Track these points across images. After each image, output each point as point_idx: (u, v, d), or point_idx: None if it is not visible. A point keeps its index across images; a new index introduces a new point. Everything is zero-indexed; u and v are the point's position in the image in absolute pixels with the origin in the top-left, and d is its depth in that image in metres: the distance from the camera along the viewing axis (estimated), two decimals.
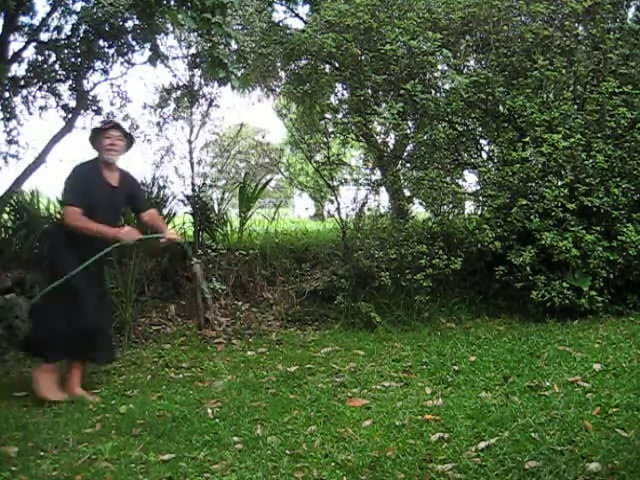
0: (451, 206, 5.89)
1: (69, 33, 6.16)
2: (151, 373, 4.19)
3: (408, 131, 5.50)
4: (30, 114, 6.55)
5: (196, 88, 5.70)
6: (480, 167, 5.39)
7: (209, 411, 3.31)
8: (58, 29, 6.25)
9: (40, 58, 6.26)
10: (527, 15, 5.29)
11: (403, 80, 5.18)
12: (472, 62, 5.86)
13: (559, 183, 4.96)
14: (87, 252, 3.63)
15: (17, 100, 6.43)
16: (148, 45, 5.65)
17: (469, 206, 6.35)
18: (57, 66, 6.30)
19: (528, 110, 4.94)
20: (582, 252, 4.59)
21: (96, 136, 3.92)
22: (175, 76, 5.78)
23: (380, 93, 5.70)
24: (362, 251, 5.21)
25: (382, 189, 6.20)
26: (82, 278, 3.60)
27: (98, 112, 6.61)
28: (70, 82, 6.41)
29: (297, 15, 8.61)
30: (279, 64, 6.76)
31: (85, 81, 6.50)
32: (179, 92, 5.85)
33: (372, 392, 3.50)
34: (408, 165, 6.05)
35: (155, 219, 4.20)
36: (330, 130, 6.14)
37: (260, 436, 2.92)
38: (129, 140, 4.02)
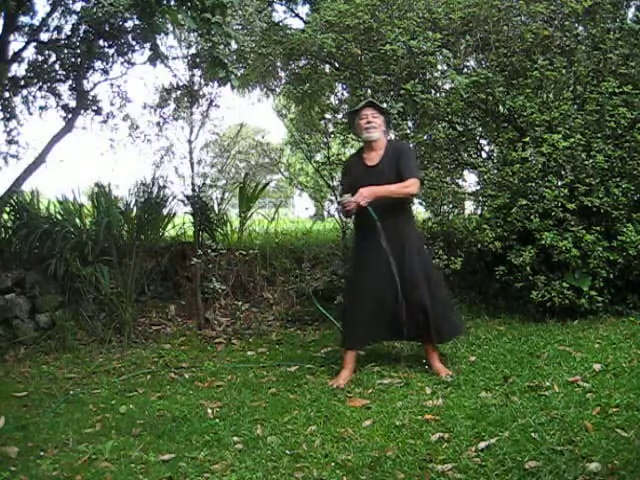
0: (451, 206, 5.89)
1: (69, 33, 6.17)
2: (151, 373, 4.20)
3: (408, 131, 5.49)
4: (30, 114, 6.57)
5: (196, 88, 5.70)
6: (480, 167, 5.39)
7: (209, 411, 3.31)
8: (58, 29, 6.27)
9: (40, 58, 6.27)
10: (527, 15, 5.28)
11: (403, 80, 5.18)
12: (472, 62, 5.86)
13: (559, 183, 4.96)
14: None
15: (17, 100, 6.45)
16: (148, 45, 5.65)
17: (469, 206, 6.35)
18: (57, 66, 6.32)
19: (528, 110, 4.94)
20: (582, 252, 4.59)
21: (353, 120, 3.97)
22: (175, 76, 5.78)
23: (380, 93, 5.70)
24: None
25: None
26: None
27: (98, 112, 6.63)
28: (70, 82, 6.42)
29: (297, 15, 8.64)
30: (279, 64, 6.75)
31: (85, 81, 6.52)
32: (179, 92, 5.85)
33: (372, 392, 3.51)
34: None
35: (397, 184, 3.76)
36: (330, 130, 6.14)
37: (260, 436, 2.92)
38: (386, 116, 3.98)
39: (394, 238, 3.70)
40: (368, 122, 3.81)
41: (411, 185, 3.72)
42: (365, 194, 3.64)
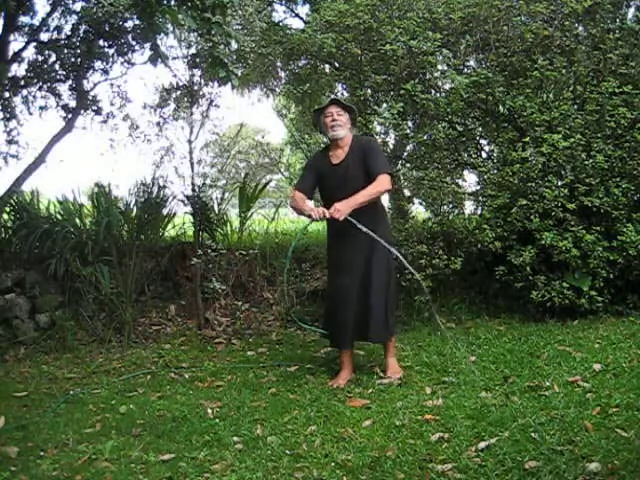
0: (451, 206, 5.89)
1: (69, 33, 6.18)
2: (151, 373, 4.20)
3: (408, 131, 5.49)
4: (30, 114, 6.57)
5: (196, 88, 5.70)
6: (480, 167, 5.39)
7: (209, 411, 3.31)
8: (58, 29, 6.27)
9: (40, 58, 6.27)
10: (527, 15, 5.28)
11: (403, 80, 5.18)
12: (472, 62, 5.85)
13: (559, 183, 4.96)
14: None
15: (17, 100, 6.45)
16: (148, 45, 5.65)
17: (469, 206, 6.35)
18: (57, 66, 6.32)
19: (528, 110, 4.94)
20: (582, 252, 4.59)
21: (318, 119, 3.95)
22: (175, 76, 5.79)
23: (380, 93, 5.70)
24: None
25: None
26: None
27: (98, 112, 6.63)
28: (70, 82, 6.43)
29: (297, 15, 8.63)
30: (279, 64, 6.76)
31: (85, 81, 6.52)
32: (179, 92, 5.85)
33: (372, 392, 3.51)
34: (408, 165, 6.05)
35: (371, 184, 3.67)
36: None
37: (260, 436, 2.93)
38: (352, 113, 3.91)
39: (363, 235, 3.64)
40: (333, 120, 3.78)
41: (382, 183, 3.66)
42: (340, 209, 3.54)
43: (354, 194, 3.63)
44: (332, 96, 4.20)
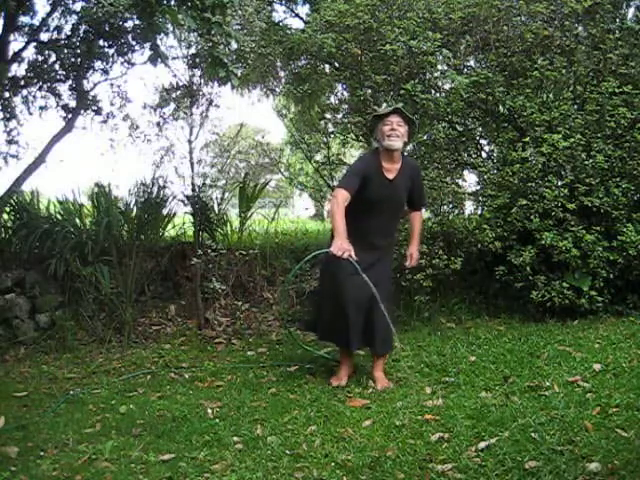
0: (451, 206, 5.89)
1: (69, 33, 6.17)
2: (151, 373, 4.20)
3: None
4: (30, 114, 6.57)
5: (196, 88, 5.70)
6: (480, 167, 5.39)
7: (209, 411, 3.31)
8: (58, 29, 6.26)
9: (40, 58, 6.27)
10: (527, 15, 5.28)
11: (403, 80, 5.18)
12: (472, 62, 5.86)
13: (559, 183, 4.96)
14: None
15: (17, 100, 6.45)
16: (148, 45, 5.65)
17: (469, 206, 6.35)
18: (57, 66, 6.31)
19: (528, 110, 4.94)
20: (582, 252, 4.59)
21: (376, 124, 3.72)
22: (175, 76, 5.79)
23: (380, 93, 5.70)
24: None
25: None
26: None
27: (98, 112, 6.63)
28: (70, 82, 6.42)
29: (297, 15, 8.63)
30: (279, 64, 6.76)
31: (85, 81, 6.52)
32: (179, 92, 5.85)
33: (372, 392, 3.51)
34: None
35: (415, 226, 3.90)
36: (330, 130, 6.15)
37: (260, 436, 2.92)
38: (411, 127, 3.75)
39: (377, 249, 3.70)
40: (392, 129, 3.59)
41: (421, 218, 3.90)
42: (417, 257, 3.81)
43: (393, 217, 3.75)
44: (396, 105, 3.93)
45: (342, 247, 3.33)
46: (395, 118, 3.64)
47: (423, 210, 3.82)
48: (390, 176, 3.66)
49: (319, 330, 3.97)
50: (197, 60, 5.59)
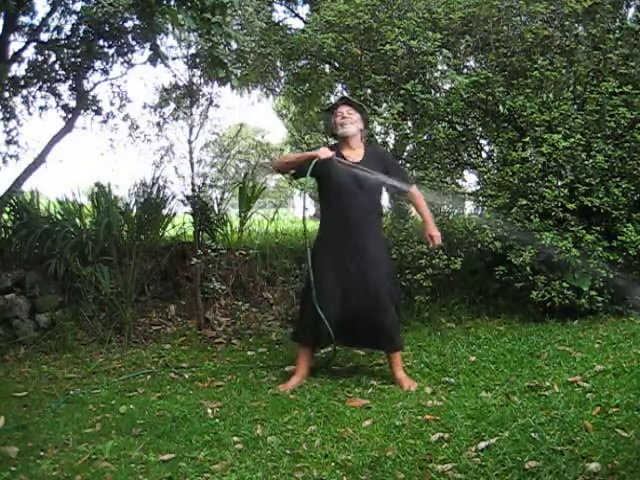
0: (451, 206, 5.89)
1: (69, 33, 6.18)
2: (151, 373, 4.20)
3: (408, 131, 5.49)
4: (30, 114, 6.58)
5: (196, 88, 5.70)
6: (480, 167, 5.39)
7: (209, 411, 3.31)
8: (58, 29, 6.27)
9: (40, 58, 6.28)
10: (527, 15, 5.28)
11: (403, 80, 5.18)
12: (472, 62, 5.86)
13: (559, 183, 4.96)
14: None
15: (17, 100, 6.46)
16: (148, 45, 5.66)
17: (469, 206, 6.35)
18: (57, 66, 6.32)
19: (528, 110, 4.94)
20: (582, 252, 4.59)
21: (328, 120, 3.87)
22: (175, 76, 5.79)
23: (380, 93, 5.70)
24: None
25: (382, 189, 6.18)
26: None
27: (98, 112, 6.63)
28: (70, 82, 6.43)
29: (297, 15, 8.64)
30: (279, 64, 6.76)
31: (85, 81, 6.53)
32: (179, 92, 5.85)
33: (372, 392, 3.51)
34: (408, 165, 6.05)
35: (420, 207, 3.89)
36: None
37: (260, 436, 2.92)
38: (363, 114, 3.82)
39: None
40: (343, 117, 3.71)
41: (420, 195, 3.86)
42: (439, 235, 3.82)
43: (369, 197, 3.69)
44: (341, 95, 4.08)
45: (325, 151, 3.52)
46: (344, 108, 3.76)
47: (416, 188, 3.80)
48: (356, 159, 3.70)
49: (298, 331, 3.93)
50: (197, 60, 5.59)
